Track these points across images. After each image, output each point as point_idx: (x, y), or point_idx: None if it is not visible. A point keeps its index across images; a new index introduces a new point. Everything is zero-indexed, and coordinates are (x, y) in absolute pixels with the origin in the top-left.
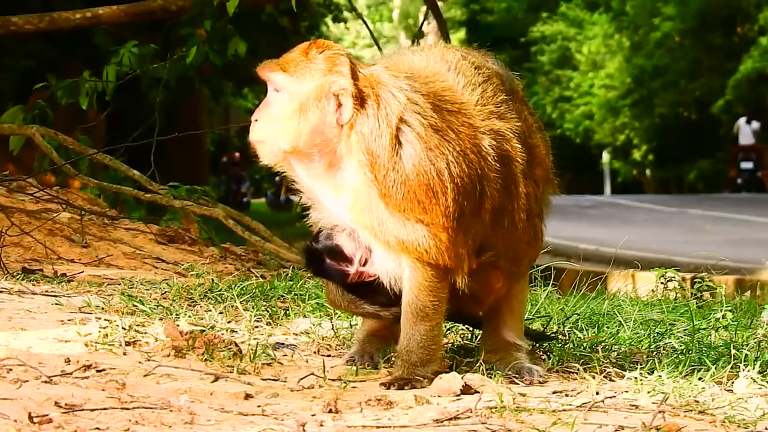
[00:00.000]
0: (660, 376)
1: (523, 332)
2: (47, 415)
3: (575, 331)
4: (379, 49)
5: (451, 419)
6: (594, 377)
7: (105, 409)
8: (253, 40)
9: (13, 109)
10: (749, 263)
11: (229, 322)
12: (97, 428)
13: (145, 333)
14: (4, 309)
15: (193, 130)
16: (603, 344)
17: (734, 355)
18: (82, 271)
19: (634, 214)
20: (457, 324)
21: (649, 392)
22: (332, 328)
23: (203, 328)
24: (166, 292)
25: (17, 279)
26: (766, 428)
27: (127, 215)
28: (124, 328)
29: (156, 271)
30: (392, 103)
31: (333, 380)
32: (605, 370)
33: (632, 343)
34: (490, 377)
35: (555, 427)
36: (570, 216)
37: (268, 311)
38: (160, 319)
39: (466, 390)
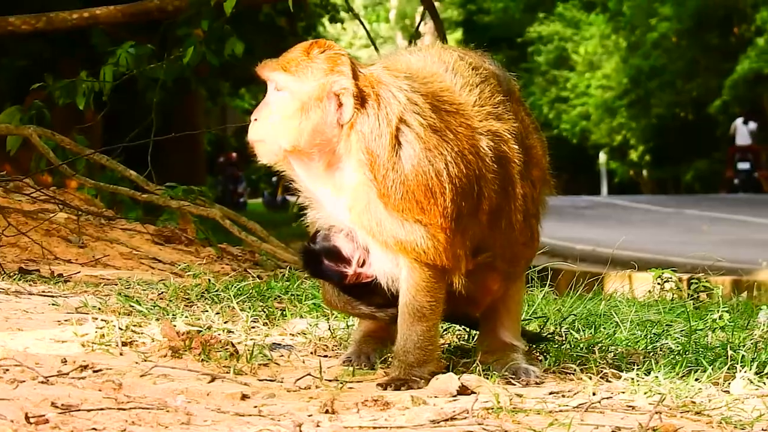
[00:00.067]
0: (657, 376)
1: (519, 333)
2: (44, 415)
3: (572, 331)
4: (376, 49)
5: (447, 420)
6: (591, 378)
7: (102, 409)
8: (250, 40)
9: (10, 109)
10: (746, 264)
11: (225, 323)
12: (94, 428)
13: (142, 333)
14: (1, 309)
15: (190, 131)
16: (600, 345)
17: (731, 356)
18: (79, 272)
19: (630, 215)
20: (454, 325)
21: (645, 393)
22: (329, 329)
23: (200, 329)
24: (162, 292)
25: (14, 279)
26: (762, 429)
27: (123, 215)
28: (121, 329)
29: (153, 272)
30: (392, 103)
31: (330, 381)
32: (602, 371)
33: (629, 343)
34: (487, 378)
35: (552, 427)
36: (567, 216)
37: (264, 312)
38: (157, 320)
39: (463, 391)
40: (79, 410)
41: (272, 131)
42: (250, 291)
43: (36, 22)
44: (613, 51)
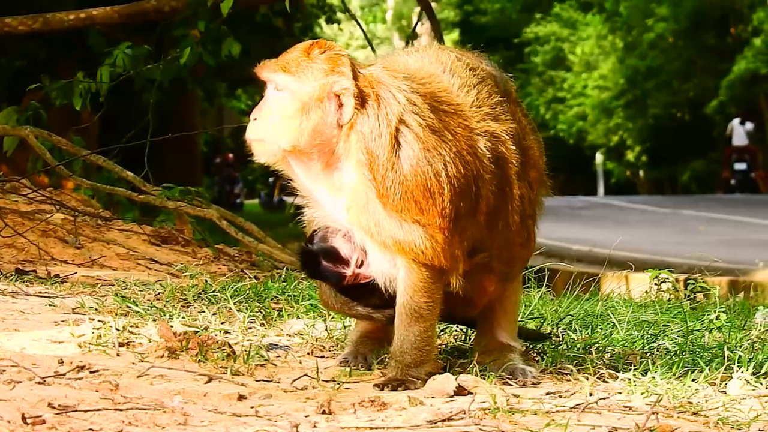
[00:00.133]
0: (653, 377)
1: (516, 333)
2: (40, 416)
3: (569, 332)
4: (373, 50)
5: (444, 420)
6: (587, 378)
7: (98, 410)
8: (247, 40)
9: (7, 109)
10: (743, 264)
11: (222, 323)
12: (91, 429)
13: (139, 334)
14: None
15: (186, 131)
16: (596, 345)
17: (728, 357)
18: (76, 272)
19: (627, 215)
20: (451, 325)
21: (642, 393)
22: (326, 330)
23: (197, 329)
24: (159, 293)
25: (10, 280)
26: (759, 430)
27: (120, 216)
28: (118, 329)
29: (149, 272)
30: (392, 104)
31: (326, 381)
32: (599, 372)
33: (626, 344)
34: (484, 378)
35: (548, 428)
36: (563, 217)
37: (261, 312)
38: (154, 320)
39: (460, 391)
40: (75, 411)
41: (272, 131)
42: (247, 292)
43: (33, 23)
44: (610, 51)
